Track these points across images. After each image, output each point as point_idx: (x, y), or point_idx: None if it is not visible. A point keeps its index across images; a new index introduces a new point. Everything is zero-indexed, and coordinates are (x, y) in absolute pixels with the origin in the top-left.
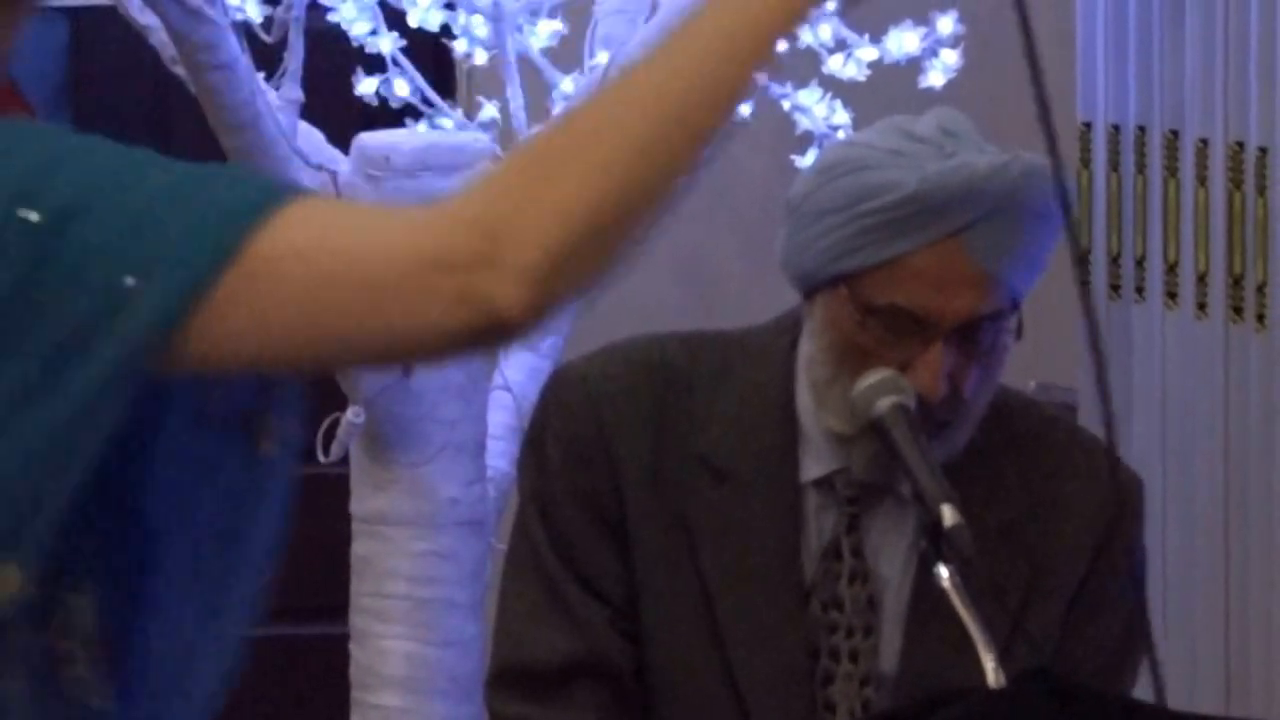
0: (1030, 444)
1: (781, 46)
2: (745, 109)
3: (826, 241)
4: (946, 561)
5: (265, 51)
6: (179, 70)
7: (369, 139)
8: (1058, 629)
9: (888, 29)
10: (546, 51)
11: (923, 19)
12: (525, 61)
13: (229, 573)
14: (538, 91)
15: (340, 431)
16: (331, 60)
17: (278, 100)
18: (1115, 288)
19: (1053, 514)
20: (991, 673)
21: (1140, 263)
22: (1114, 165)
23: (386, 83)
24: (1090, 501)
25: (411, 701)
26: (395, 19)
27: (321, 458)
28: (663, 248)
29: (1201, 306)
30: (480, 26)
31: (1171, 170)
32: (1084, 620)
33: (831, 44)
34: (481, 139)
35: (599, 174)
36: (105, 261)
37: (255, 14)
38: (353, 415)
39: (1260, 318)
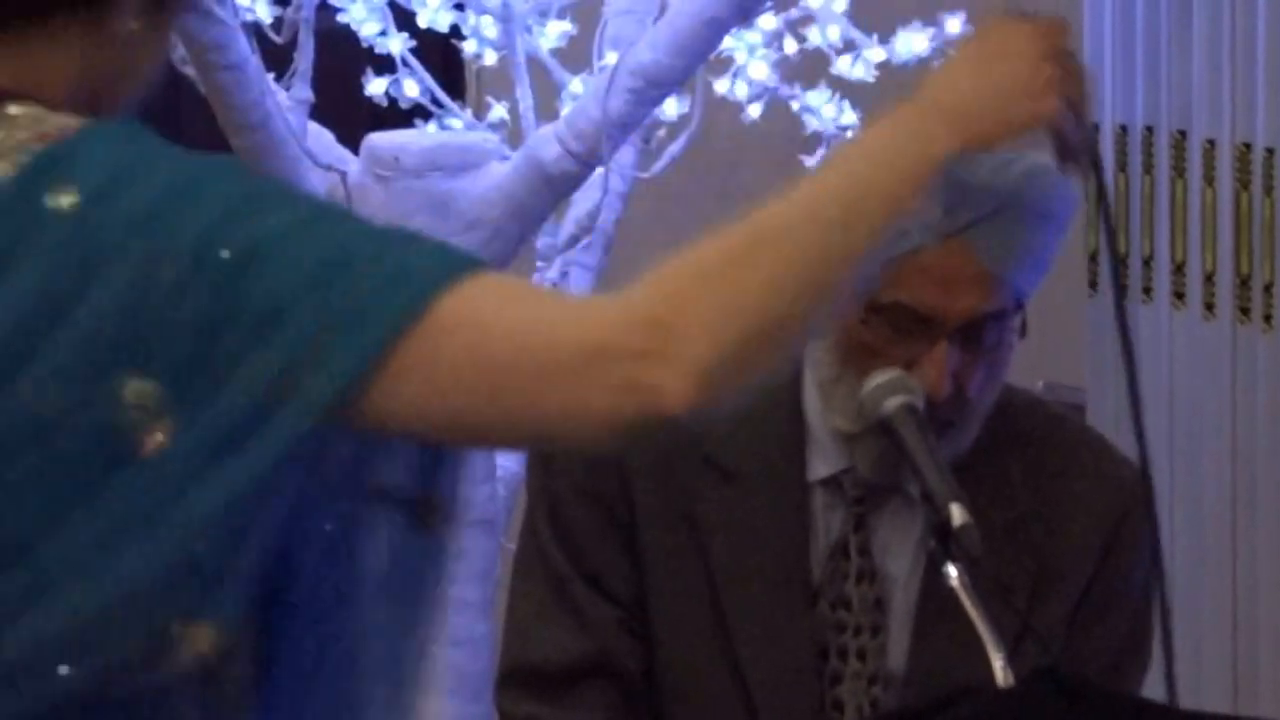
0: (1037, 443)
1: (792, 48)
2: (756, 110)
3: None
4: (955, 561)
5: (275, 52)
6: (189, 70)
7: (378, 139)
8: (1065, 628)
9: (896, 30)
10: (556, 52)
11: (931, 20)
12: (534, 62)
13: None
14: (547, 92)
15: None
16: (341, 61)
17: (287, 100)
18: (1123, 288)
19: (1060, 513)
20: (1000, 672)
21: (1147, 263)
22: (1121, 166)
23: (396, 83)
24: (1097, 500)
25: (421, 700)
26: (405, 19)
27: None
28: (673, 248)
29: (1209, 307)
30: (489, 27)
31: (1179, 171)
32: (1091, 619)
33: (840, 45)
34: (491, 139)
35: (766, 281)
36: (295, 313)
37: (265, 14)
38: None
39: (1267, 318)
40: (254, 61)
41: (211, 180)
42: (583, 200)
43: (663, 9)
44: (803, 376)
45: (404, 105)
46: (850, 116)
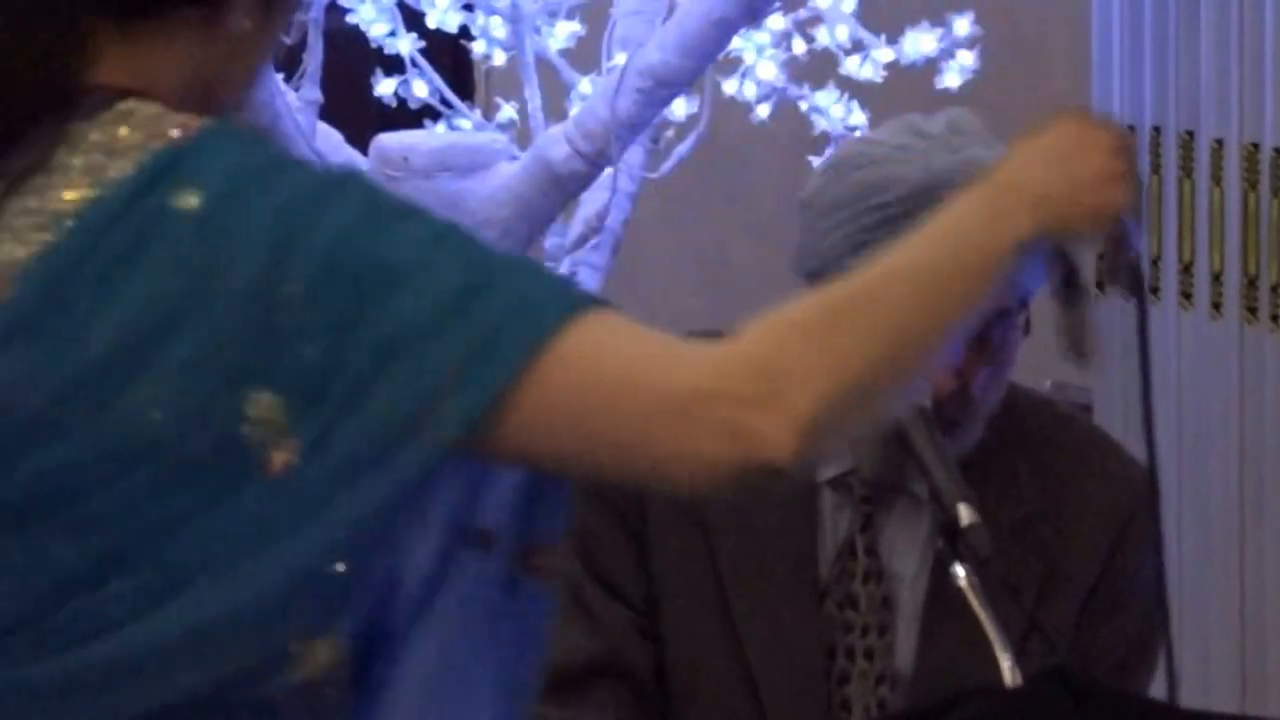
0: (1044, 442)
1: (801, 48)
2: (764, 110)
3: (835, 237)
4: (962, 560)
5: (284, 53)
6: None
7: (387, 140)
8: (1072, 627)
9: (904, 30)
10: (564, 52)
11: (939, 20)
12: (543, 62)
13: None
14: (555, 92)
15: None
16: (350, 61)
17: (297, 101)
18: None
19: (1067, 513)
20: (1008, 672)
21: (1155, 263)
22: None
23: (405, 84)
24: (1105, 500)
25: None
26: (414, 20)
27: None
28: (682, 249)
29: (1216, 306)
30: (498, 28)
31: (1187, 171)
32: (1099, 619)
33: (848, 45)
34: (500, 140)
35: (863, 341)
36: (428, 341)
37: None
38: None
39: (1275, 318)
40: None
41: (338, 192)
42: (591, 200)
43: (671, 9)
44: None
45: (413, 106)
46: (859, 117)
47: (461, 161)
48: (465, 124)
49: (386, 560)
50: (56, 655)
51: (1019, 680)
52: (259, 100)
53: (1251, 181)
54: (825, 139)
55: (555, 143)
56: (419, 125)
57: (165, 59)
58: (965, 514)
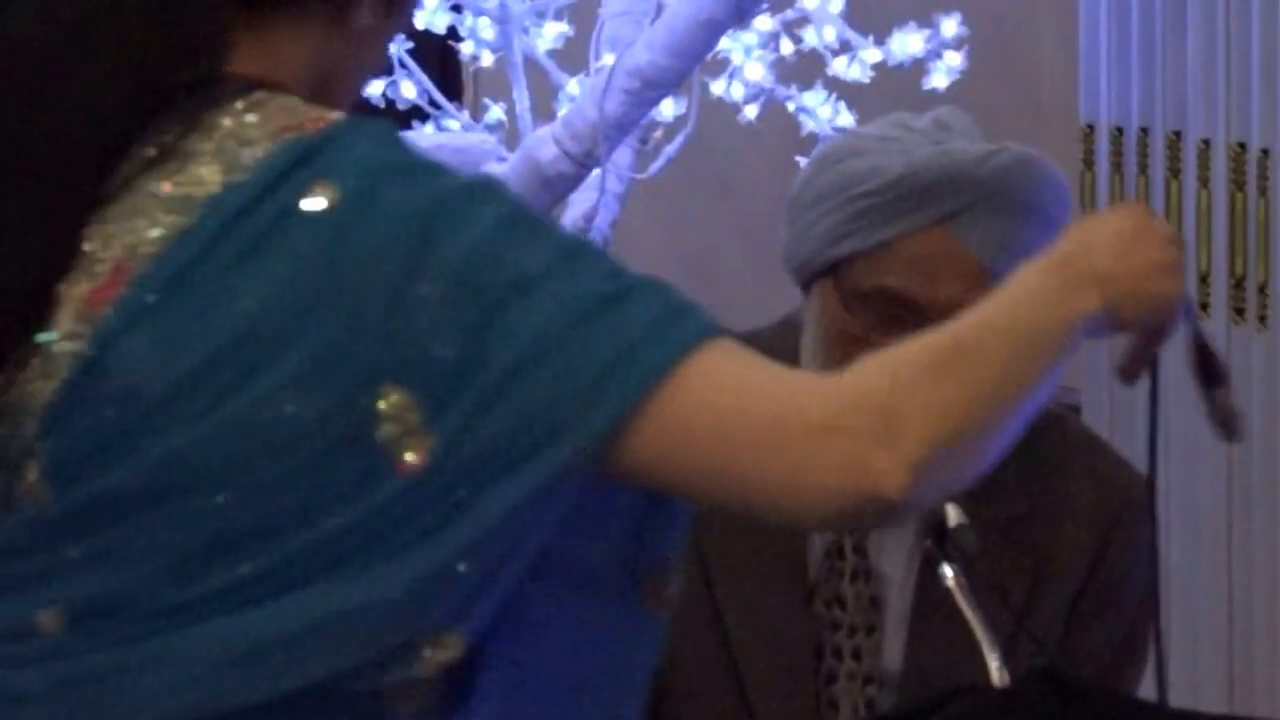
0: (1033, 443)
1: (788, 49)
2: (752, 111)
3: (820, 228)
4: (950, 560)
5: None
6: None
7: None
8: (1060, 628)
9: (892, 31)
10: (552, 53)
11: (926, 21)
12: (531, 63)
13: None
14: (544, 93)
15: None
16: None
17: None
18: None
19: (1055, 513)
20: (995, 672)
21: None
22: (1117, 166)
23: (393, 84)
24: (1093, 501)
25: None
26: None
27: None
28: (669, 249)
29: (1204, 307)
30: (487, 29)
31: (1174, 171)
32: (1087, 619)
33: (836, 46)
34: (488, 141)
35: (972, 391)
36: (562, 354)
37: None
38: None
39: (1262, 318)
40: None
41: (474, 199)
42: (580, 201)
43: (659, 10)
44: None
45: (401, 106)
46: (846, 117)
47: (450, 162)
48: (453, 125)
49: (511, 565)
50: (180, 630)
51: (1007, 680)
52: None
53: (1239, 182)
54: (813, 139)
55: (543, 144)
56: (407, 126)
57: (293, 52)
58: (953, 514)
